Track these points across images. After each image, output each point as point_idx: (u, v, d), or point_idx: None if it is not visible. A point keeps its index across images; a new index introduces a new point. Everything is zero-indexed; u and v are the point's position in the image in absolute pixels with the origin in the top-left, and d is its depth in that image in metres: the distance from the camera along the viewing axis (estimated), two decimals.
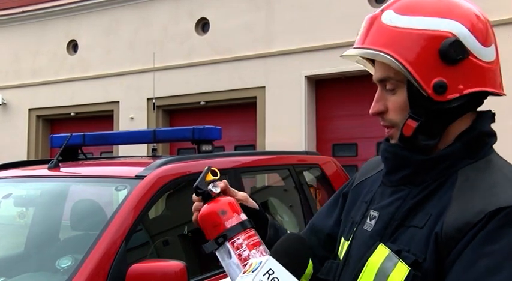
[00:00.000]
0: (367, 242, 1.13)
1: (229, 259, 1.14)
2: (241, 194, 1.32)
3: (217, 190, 1.21)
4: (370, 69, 1.22)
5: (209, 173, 1.25)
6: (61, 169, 3.16)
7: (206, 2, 11.37)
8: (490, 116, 1.15)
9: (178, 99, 11.60)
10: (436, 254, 1.00)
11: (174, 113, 12.14)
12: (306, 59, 10.06)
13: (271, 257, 1.05)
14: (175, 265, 2.24)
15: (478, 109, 1.14)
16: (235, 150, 10.38)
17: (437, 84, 1.04)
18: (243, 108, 11.17)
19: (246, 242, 1.14)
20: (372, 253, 1.09)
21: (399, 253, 1.04)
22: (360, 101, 9.09)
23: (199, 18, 11.49)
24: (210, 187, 1.21)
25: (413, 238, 1.04)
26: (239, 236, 1.14)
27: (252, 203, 1.33)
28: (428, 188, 1.08)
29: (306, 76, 10.13)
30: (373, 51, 1.09)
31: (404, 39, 1.06)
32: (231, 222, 1.15)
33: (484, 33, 1.10)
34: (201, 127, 3.33)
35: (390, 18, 1.09)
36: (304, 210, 3.83)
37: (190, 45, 11.49)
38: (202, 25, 11.59)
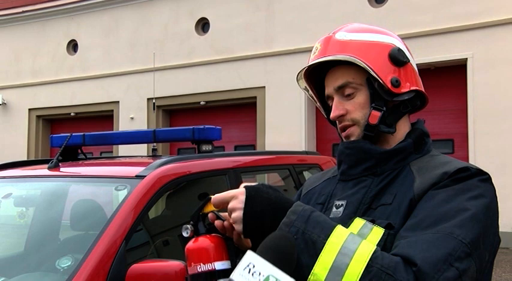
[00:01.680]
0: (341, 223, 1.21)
1: None
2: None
3: (187, 234, 1.15)
4: (313, 96, 1.45)
5: (210, 204, 1.17)
6: (61, 169, 3.16)
7: (206, 2, 11.37)
8: (423, 121, 1.41)
9: (178, 99, 11.60)
10: (408, 214, 1.16)
11: (174, 113, 12.15)
12: (306, 59, 9.99)
13: (250, 251, 1.02)
14: (175, 265, 2.23)
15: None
16: (235, 150, 10.38)
17: (393, 79, 1.29)
18: (243, 108, 11.18)
19: None
20: (349, 226, 1.18)
21: (374, 222, 1.18)
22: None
23: (199, 18, 11.50)
24: (182, 229, 1.15)
25: (383, 213, 1.20)
26: None
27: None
28: (389, 177, 1.26)
29: None
30: (341, 56, 1.29)
31: (362, 47, 1.31)
32: (189, 270, 1.11)
33: (409, 49, 1.39)
34: (201, 127, 3.32)
35: (344, 34, 1.34)
36: None
37: (190, 45, 11.50)
38: (203, 25, 11.59)
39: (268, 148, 9.76)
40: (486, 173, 1.21)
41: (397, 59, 1.31)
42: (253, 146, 10.78)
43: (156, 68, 10.76)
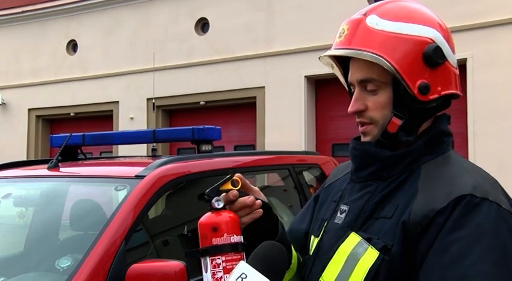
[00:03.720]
0: (338, 233, 1.20)
1: (205, 273, 1.15)
2: (255, 189, 1.32)
3: (220, 205, 1.20)
4: (338, 72, 1.32)
5: (228, 183, 1.24)
6: (61, 169, 3.16)
7: (206, 2, 11.37)
8: (447, 117, 1.25)
9: (178, 99, 11.60)
10: (403, 239, 1.08)
11: (173, 113, 12.15)
12: (305, 59, 10.06)
13: (243, 262, 1.05)
14: (175, 265, 2.24)
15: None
16: (234, 150, 10.38)
17: (422, 85, 1.14)
18: (243, 108, 11.18)
19: (224, 264, 1.13)
20: (344, 241, 1.16)
21: (369, 240, 1.12)
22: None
23: (199, 18, 11.50)
24: (213, 200, 1.20)
25: (383, 227, 1.12)
26: (220, 257, 1.14)
27: (264, 199, 1.33)
28: (395, 182, 1.17)
29: (305, 76, 10.14)
30: (365, 53, 1.15)
31: (392, 42, 1.14)
32: (218, 240, 1.15)
33: (451, 40, 1.22)
34: (201, 127, 3.33)
35: (376, 22, 1.17)
36: None
37: (190, 45, 11.50)
38: (202, 25, 11.59)
39: (267, 148, 9.76)
40: (492, 193, 1.09)
41: (432, 60, 1.14)
42: (253, 146, 10.78)
43: (156, 68, 10.76)
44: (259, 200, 1.24)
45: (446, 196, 1.07)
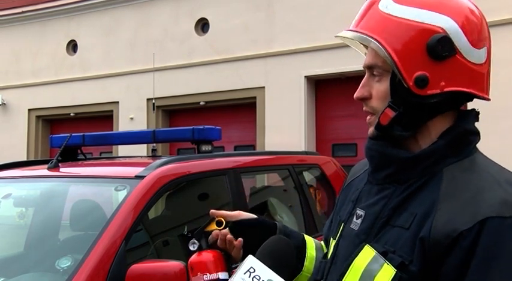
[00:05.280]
0: (353, 241, 1.14)
1: None
2: (234, 214, 1.37)
3: (194, 248, 1.31)
4: (362, 52, 1.22)
5: (213, 224, 1.33)
6: (61, 169, 3.16)
7: (206, 2, 11.37)
8: (474, 114, 1.15)
9: (178, 100, 11.60)
10: (423, 257, 0.99)
11: (173, 113, 12.14)
12: (305, 59, 10.06)
13: (251, 256, 1.07)
14: (175, 265, 2.24)
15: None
16: (234, 150, 10.38)
17: (419, 77, 1.04)
18: (243, 108, 11.17)
19: None
20: (358, 255, 1.09)
21: (385, 255, 1.04)
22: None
23: (199, 18, 11.50)
24: (189, 244, 1.31)
25: (399, 238, 1.04)
26: None
27: (249, 216, 1.38)
28: (413, 186, 1.07)
29: (305, 76, 10.13)
30: (364, 36, 1.09)
31: (395, 27, 1.06)
32: (193, 279, 1.27)
33: (476, 33, 1.08)
34: (201, 127, 3.33)
35: (387, 5, 1.09)
36: (304, 210, 3.83)
37: (190, 45, 11.50)
38: (202, 25, 11.59)
39: (267, 148, 9.75)
40: None
41: (435, 51, 1.03)
42: (253, 146, 10.78)
43: (156, 68, 10.75)
44: (239, 240, 1.32)
45: (472, 216, 0.97)
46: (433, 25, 1.04)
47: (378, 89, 1.12)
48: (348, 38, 1.16)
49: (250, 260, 1.03)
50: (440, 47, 1.03)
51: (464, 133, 1.10)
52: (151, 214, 3.51)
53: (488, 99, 1.13)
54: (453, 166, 1.06)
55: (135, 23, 12.20)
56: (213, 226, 1.32)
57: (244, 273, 1.01)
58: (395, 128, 1.10)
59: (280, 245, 1.14)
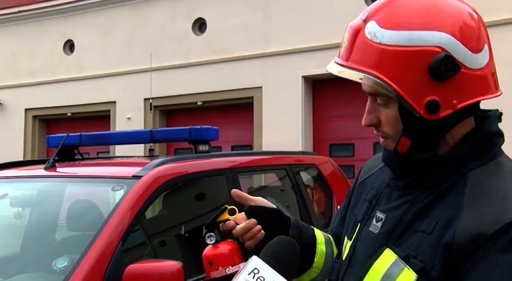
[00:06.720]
0: (372, 245, 1.11)
1: None
2: (258, 200, 1.32)
3: (212, 241, 1.24)
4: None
5: (225, 213, 1.27)
6: (57, 169, 3.16)
7: (203, 2, 11.37)
8: (497, 115, 1.11)
9: (175, 100, 11.59)
10: (446, 262, 0.97)
11: (171, 113, 12.13)
12: (303, 59, 10.06)
13: (255, 257, 1.06)
14: (172, 265, 2.24)
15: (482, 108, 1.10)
16: (232, 150, 10.38)
17: (429, 103, 0.99)
18: (240, 108, 11.17)
19: None
20: (378, 258, 1.07)
21: (406, 259, 1.01)
22: (356, 101, 9.09)
23: (196, 18, 11.49)
24: (206, 237, 1.25)
25: (421, 243, 1.01)
26: None
27: (270, 205, 1.33)
28: (436, 191, 1.04)
29: (303, 76, 10.14)
30: (359, 72, 1.03)
31: (391, 57, 0.99)
32: (214, 274, 1.21)
33: (475, 38, 1.03)
34: (198, 127, 3.33)
35: (374, 32, 1.01)
36: (301, 210, 3.83)
37: (187, 45, 11.49)
38: (199, 25, 11.59)
39: (265, 148, 9.75)
40: None
41: (439, 73, 0.98)
42: (250, 146, 10.77)
43: (153, 68, 10.74)
44: (259, 226, 1.25)
45: (497, 219, 0.93)
46: (430, 46, 0.98)
47: (386, 115, 1.06)
48: (341, 76, 1.09)
49: (255, 261, 1.03)
50: (443, 68, 0.98)
51: (488, 135, 1.06)
52: (149, 214, 3.51)
53: (498, 95, 1.09)
54: (478, 170, 1.03)
55: (131, 22, 12.19)
56: (226, 216, 1.25)
57: (249, 274, 1.01)
58: (415, 152, 1.05)
59: (282, 245, 1.14)
